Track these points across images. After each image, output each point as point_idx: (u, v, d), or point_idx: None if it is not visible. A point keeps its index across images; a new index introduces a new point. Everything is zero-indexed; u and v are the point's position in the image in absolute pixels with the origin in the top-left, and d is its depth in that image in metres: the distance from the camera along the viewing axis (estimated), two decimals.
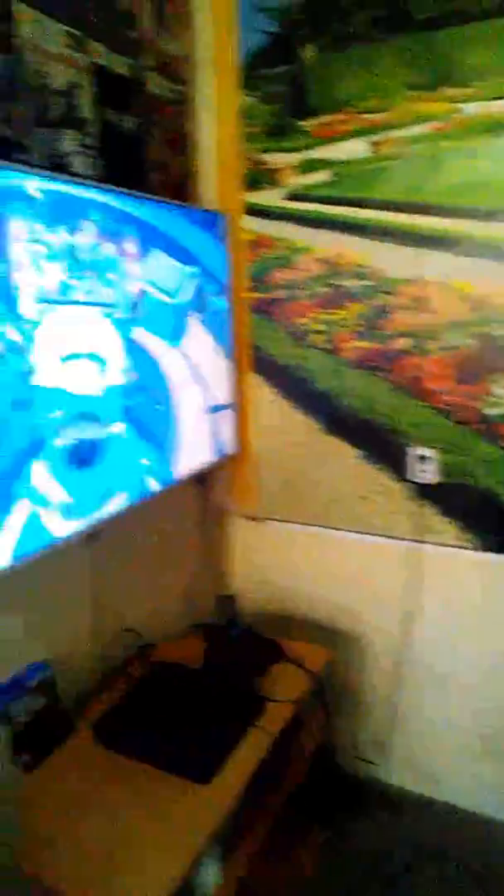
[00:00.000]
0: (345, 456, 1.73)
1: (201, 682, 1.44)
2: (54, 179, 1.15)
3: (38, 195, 1.09)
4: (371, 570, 1.77)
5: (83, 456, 1.25)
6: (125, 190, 1.32)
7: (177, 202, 1.53)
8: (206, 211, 1.65)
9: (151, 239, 1.37)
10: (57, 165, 1.29)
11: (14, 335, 1.08)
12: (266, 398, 1.81)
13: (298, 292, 1.71)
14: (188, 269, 1.49)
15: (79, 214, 1.19)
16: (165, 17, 1.59)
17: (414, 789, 1.85)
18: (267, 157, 1.69)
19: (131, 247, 1.29)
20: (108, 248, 1.24)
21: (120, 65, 1.45)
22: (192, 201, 1.73)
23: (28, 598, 1.28)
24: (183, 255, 1.50)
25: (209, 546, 1.92)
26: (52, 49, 1.26)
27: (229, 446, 1.80)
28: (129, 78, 1.49)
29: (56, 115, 1.29)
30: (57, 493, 1.19)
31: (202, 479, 1.84)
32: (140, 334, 1.38)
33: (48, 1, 1.24)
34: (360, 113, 1.56)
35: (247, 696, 1.38)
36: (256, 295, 1.76)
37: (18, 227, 1.06)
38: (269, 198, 1.71)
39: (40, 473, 1.15)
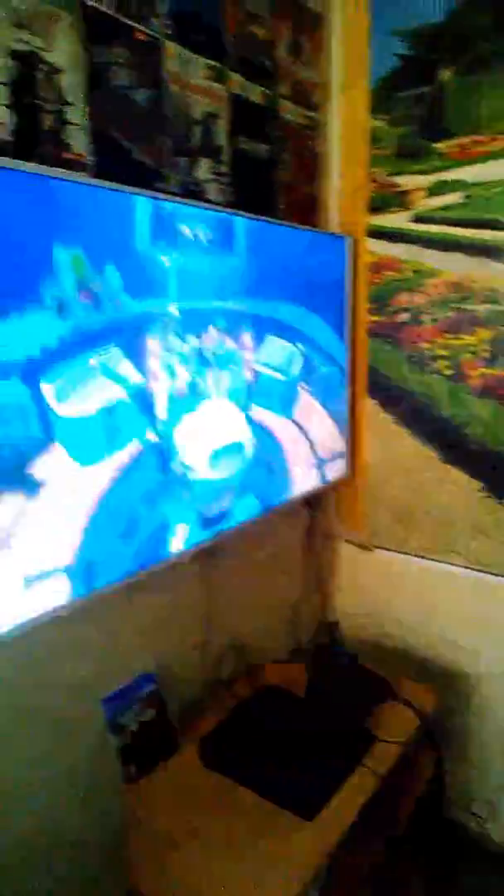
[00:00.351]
0: (464, 487, 1.65)
1: (308, 710, 1.40)
2: (188, 206, 1.19)
3: (175, 313, 1.17)
4: (488, 611, 1.66)
5: (213, 518, 1.32)
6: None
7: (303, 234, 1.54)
8: (333, 236, 1.64)
9: (266, 327, 1.43)
10: (192, 192, 1.34)
11: (152, 437, 1.16)
12: (381, 423, 1.77)
13: (423, 316, 1.66)
14: (299, 346, 1.54)
15: (206, 321, 1.25)
16: (300, 45, 1.62)
17: None
18: (397, 179, 1.66)
19: (247, 338, 1.36)
20: (230, 344, 1.31)
21: (255, 93, 1.49)
22: (318, 225, 1.73)
23: (143, 610, 1.30)
24: (294, 334, 1.53)
25: (315, 570, 1.89)
26: (193, 81, 1.32)
27: (341, 471, 1.77)
28: (263, 106, 1.52)
29: (193, 144, 1.34)
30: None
31: (312, 503, 1.82)
32: (257, 412, 1.44)
33: (193, 36, 1.29)
34: (499, 134, 1.50)
35: (354, 731, 1.33)
36: (377, 318, 1.73)
37: (154, 342, 1.14)
38: (395, 220, 1.68)
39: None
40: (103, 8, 1.11)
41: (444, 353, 1.64)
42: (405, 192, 1.66)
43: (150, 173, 1.24)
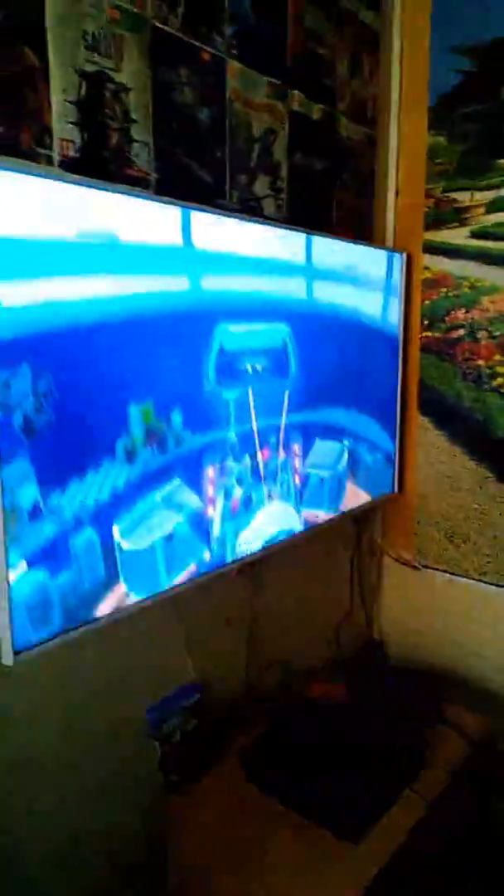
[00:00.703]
0: None
1: (353, 729, 1.37)
2: (247, 220, 1.21)
3: (233, 438, 1.22)
4: None
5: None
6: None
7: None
8: (388, 250, 1.64)
9: (315, 433, 1.46)
10: (250, 209, 1.35)
11: (207, 555, 1.20)
12: (433, 440, 1.73)
13: (480, 333, 1.62)
14: (345, 442, 1.56)
15: (260, 440, 1.29)
16: (360, 62, 1.63)
17: None
18: (455, 195, 1.64)
19: (297, 446, 1.40)
20: (282, 455, 1.36)
21: (314, 111, 1.50)
22: (372, 241, 1.73)
23: (189, 619, 1.31)
24: (340, 433, 1.55)
25: (361, 587, 1.86)
26: (255, 99, 1.34)
27: (390, 487, 1.74)
28: (322, 122, 1.53)
29: (252, 161, 1.35)
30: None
31: (360, 519, 1.79)
32: (307, 514, 1.46)
33: (256, 55, 1.31)
34: None
35: (402, 755, 1.29)
36: (431, 334, 1.71)
37: (213, 469, 1.18)
38: (453, 236, 1.66)
39: None
40: (170, 29, 1.14)
41: (501, 370, 1.60)
42: (463, 209, 1.64)
43: (210, 190, 1.26)
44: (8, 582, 0.85)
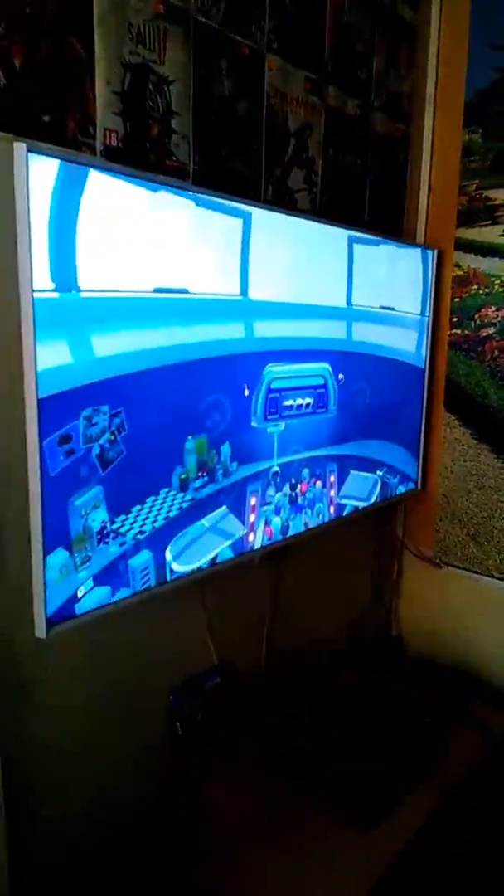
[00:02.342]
0: None
1: (372, 720, 1.38)
2: (282, 212, 1.23)
3: (276, 469, 1.30)
4: None
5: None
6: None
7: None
8: (420, 247, 1.64)
9: (350, 464, 1.53)
10: (284, 202, 1.36)
11: None
12: (458, 437, 1.73)
13: None
14: (378, 473, 1.63)
15: (300, 471, 1.37)
16: (397, 58, 1.63)
17: None
18: (489, 192, 1.63)
19: (333, 477, 1.47)
20: (318, 485, 1.43)
21: (349, 106, 1.51)
22: (405, 236, 1.73)
23: (212, 604, 1.33)
24: (373, 464, 1.61)
25: (382, 583, 1.87)
26: (292, 94, 1.35)
27: (414, 483, 1.75)
28: (357, 117, 1.54)
29: (288, 155, 1.37)
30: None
31: (383, 513, 1.80)
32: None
33: (293, 49, 1.32)
34: None
35: (421, 747, 1.30)
36: (459, 332, 1.70)
37: (255, 498, 1.26)
38: (485, 234, 1.65)
39: None
40: (212, 23, 1.16)
41: None
42: (497, 206, 1.63)
43: (246, 182, 1.28)
44: (44, 559, 0.88)
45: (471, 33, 1.61)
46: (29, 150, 0.80)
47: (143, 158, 1.08)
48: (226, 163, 1.23)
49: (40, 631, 0.90)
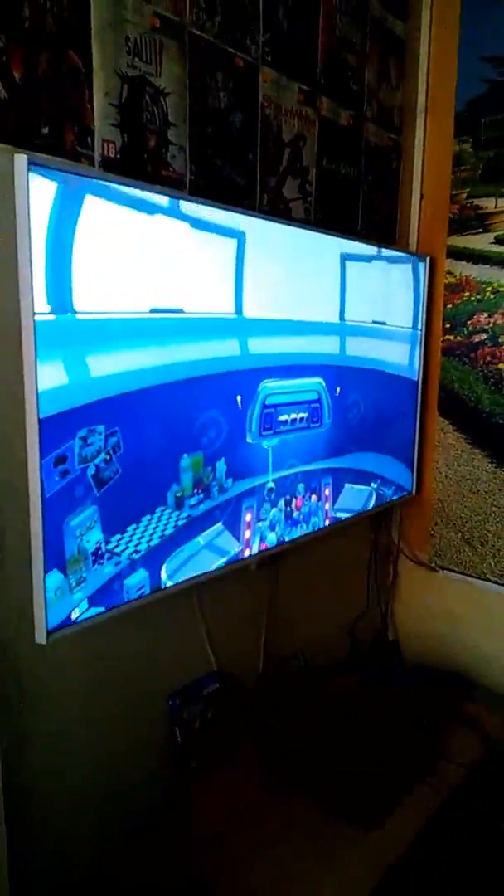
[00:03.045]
0: None
1: (370, 723, 1.39)
2: (277, 222, 1.24)
3: (270, 485, 1.31)
4: None
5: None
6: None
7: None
8: (412, 255, 1.66)
9: (345, 478, 1.54)
10: (279, 210, 1.38)
11: None
12: (452, 442, 1.75)
13: (502, 337, 1.64)
14: (372, 485, 1.64)
15: (295, 485, 1.38)
16: (388, 70, 1.66)
17: None
18: (480, 201, 1.66)
19: (328, 490, 1.49)
20: (314, 499, 1.44)
21: (342, 117, 1.53)
22: (397, 244, 1.75)
23: (209, 610, 1.33)
24: (368, 476, 1.63)
25: (378, 587, 1.88)
26: (286, 105, 1.37)
27: (408, 488, 1.77)
28: (349, 128, 1.56)
29: (282, 165, 1.39)
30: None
31: (377, 519, 1.81)
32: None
33: (287, 62, 1.35)
34: None
35: (419, 748, 1.31)
36: (452, 338, 1.73)
37: (251, 514, 1.27)
38: (476, 242, 1.68)
39: None
40: (207, 36, 1.18)
41: None
42: (487, 214, 1.66)
43: (242, 191, 1.29)
44: (44, 569, 0.89)
45: (460, 45, 1.64)
46: (30, 163, 0.81)
47: (140, 169, 1.09)
48: (221, 173, 1.25)
49: (40, 636, 0.90)
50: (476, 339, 1.69)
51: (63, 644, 0.95)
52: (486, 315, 1.67)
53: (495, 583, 1.70)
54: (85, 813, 1.14)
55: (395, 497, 1.72)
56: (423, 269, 1.69)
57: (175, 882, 1.06)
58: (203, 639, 1.34)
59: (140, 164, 1.09)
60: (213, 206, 1.10)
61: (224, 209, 1.11)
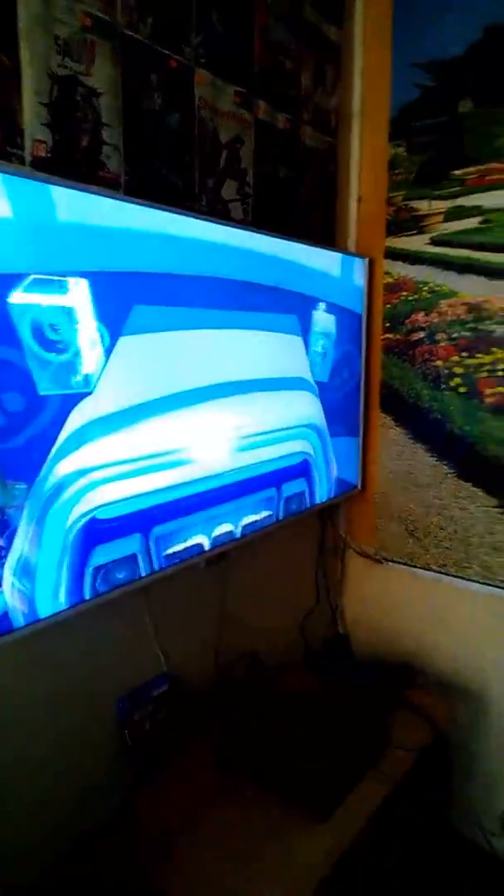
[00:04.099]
0: (479, 503, 1.67)
1: (320, 715, 1.42)
2: (215, 223, 1.25)
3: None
4: (501, 627, 1.67)
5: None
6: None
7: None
8: (351, 256, 1.70)
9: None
10: (218, 212, 1.39)
11: None
12: (395, 438, 1.80)
13: (438, 335, 1.70)
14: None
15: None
16: (324, 74, 1.69)
17: None
18: (414, 203, 1.71)
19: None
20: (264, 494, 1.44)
21: (279, 120, 1.56)
22: (335, 245, 1.79)
23: (157, 612, 1.33)
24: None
25: (326, 582, 1.91)
26: (222, 107, 1.38)
27: (353, 483, 1.80)
28: (287, 131, 1.59)
29: (220, 166, 1.40)
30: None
31: (325, 514, 1.84)
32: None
33: (223, 64, 1.36)
34: None
35: (368, 737, 1.35)
36: (391, 336, 1.77)
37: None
38: (412, 243, 1.73)
39: None
40: (140, 37, 1.18)
41: (459, 371, 1.67)
42: (422, 216, 1.71)
43: (180, 193, 1.30)
44: None
45: (393, 51, 1.69)
46: None
47: (74, 169, 1.08)
48: (159, 174, 1.25)
49: None
50: (414, 337, 1.74)
51: None
52: (423, 314, 1.72)
53: (438, 572, 1.75)
54: (36, 821, 1.12)
55: (341, 492, 1.75)
56: (362, 269, 1.73)
57: (126, 885, 1.06)
58: (152, 640, 1.34)
59: (74, 163, 1.08)
60: (151, 207, 1.10)
61: (161, 210, 1.12)
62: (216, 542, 1.34)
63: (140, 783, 1.26)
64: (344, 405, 1.73)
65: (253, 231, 1.35)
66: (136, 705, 1.29)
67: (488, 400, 1.63)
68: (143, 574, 1.16)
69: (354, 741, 1.32)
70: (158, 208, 1.11)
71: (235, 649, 1.56)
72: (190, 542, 1.26)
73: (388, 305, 1.77)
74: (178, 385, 1.19)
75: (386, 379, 1.80)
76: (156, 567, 1.20)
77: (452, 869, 1.63)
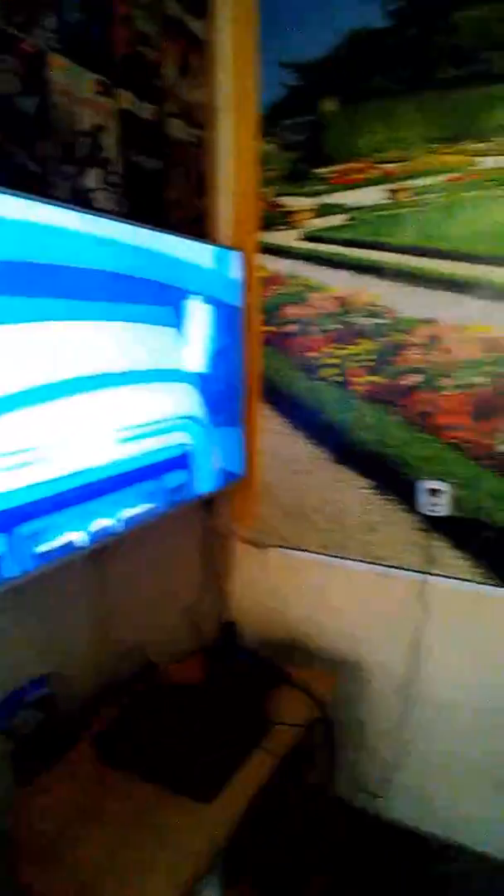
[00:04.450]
0: (354, 487, 1.75)
1: (204, 702, 1.43)
2: (75, 210, 1.23)
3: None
4: (377, 601, 1.77)
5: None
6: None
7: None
8: (223, 248, 1.72)
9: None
10: (81, 201, 1.37)
11: None
12: (274, 427, 1.85)
13: (311, 328, 1.76)
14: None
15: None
16: (189, 67, 1.70)
17: (419, 826, 1.81)
18: (284, 200, 1.76)
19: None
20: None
21: (144, 110, 1.55)
22: (208, 238, 1.80)
23: (33, 613, 1.29)
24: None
25: (213, 571, 1.93)
26: (80, 94, 1.36)
27: (236, 472, 1.83)
28: (153, 122, 1.58)
29: (82, 154, 1.37)
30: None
31: (208, 503, 1.86)
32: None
33: (80, 50, 1.33)
34: (377, 163, 1.63)
35: (251, 717, 1.38)
36: (269, 328, 1.82)
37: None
38: (284, 238, 1.78)
39: None
40: None
41: (331, 361, 1.75)
42: (292, 213, 1.76)
43: (36, 178, 1.26)
44: None
45: (262, 49, 1.72)
46: None
47: None
48: (12, 158, 1.21)
49: None
50: (288, 329, 1.79)
51: None
52: (295, 307, 1.78)
53: (319, 554, 1.82)
54: None
55: (225, 482, 1.78)
56: (237, 263, 1.76)
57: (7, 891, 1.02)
58: (32, 641, 1.30)
59: None
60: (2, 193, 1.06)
61: (12, 195, 1.08)
62: (94, 538, 1.31)
63: (23, 786, 1.22)
64: (225, 396, 1.76)
65: (116, 220, 1.33)
66: (16, 708, 1.24)
67: (358, 388, 1.71)
68: (12, 575, 1.12)
69: (236, 724, 1.35)
70: (10, 193, 1.07)
71: (123, 644, 1.54)
72: (64, 539, 1.23)
73: (265, 298, 1.81)
74: (40, 378, 1.16)
75: (266, 370, 1.84)
76: (28, 567, 1.16)
77: (341, 835, 1.71)
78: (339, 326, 1.73)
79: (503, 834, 1.70)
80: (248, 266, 1.80)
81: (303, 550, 1.85)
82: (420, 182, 1.59)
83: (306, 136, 1.73)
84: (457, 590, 1.64)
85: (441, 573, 1.66)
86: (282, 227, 1.78)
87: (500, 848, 1.71)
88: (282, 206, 1.78)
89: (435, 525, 1.65)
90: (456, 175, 1.54)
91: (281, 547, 1.88)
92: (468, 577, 1.63)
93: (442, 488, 1.62)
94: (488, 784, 1.69)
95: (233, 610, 2.00)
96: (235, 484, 1.85)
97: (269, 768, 1.27)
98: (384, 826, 1.82)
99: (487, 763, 1.68)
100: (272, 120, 1.75)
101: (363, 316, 1.70)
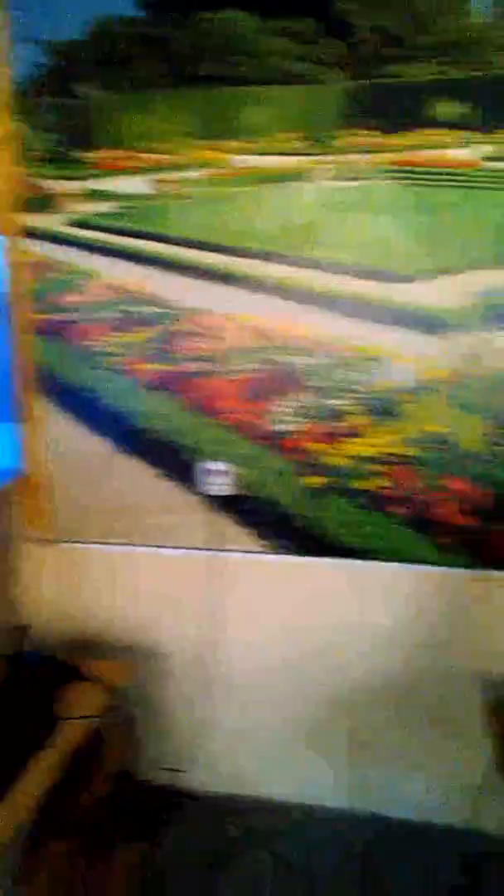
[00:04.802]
0: (141, 474, 1.77)
1: None
2: None
3: None
4: (173, 584, 1.82)
5: None
6: None
7: None
8: None
9: None
10: None
11: None
12: (56, 420, 1.79)
13: (88, 316, 1.72)
14: None
15: None
16: None
17: (224, 790, 1.91)
18: (45, 182, 1.69)
19: None
20: None
21: None
22: None
23: None
24: None
25: (2, 573, 1.82)
26: None
27: (15, 470, 1.74)
28: None
29: None
30: None
31: None
32: None
33: None
34: (140, 152, 1.64)
35: (36, 717, 1.34)
36: (42, 316, 1.74)
37: None
38: (50, 222, 1.71)
39: None
40: None
41: (112, 350, 1.73)
42: (56, 196, 1.70)
43: None
44: None
45: (12, 26, 1.62)
46: None
47: None
48: None
49: None
50: (65, 317, 1.74)
51: None
52: (72, 295, 1.73)
53: (110, 544, 1.82)
54: None
55: (4, 480, 1.67)
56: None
57: None
58: None
59: None
60: None
61: None
62: None
63: None
64: None
65: None
66: None
67: (139, 376, 1.72)
68: None
69: (22, 725, 1.32)
70: None
71: None
72: None
73: (35, 285, 1.73)
74: None
75: (42, 361, 1.76)
76: None
77: (148, 817, 1.73)
78: (116, 315, 1.72)
79: (314, 784, 1.86)
80: (11, 251, 1.70)
81: (96, 543, 1.83)
82: (184, 175, 1.63)
83: (70, 118, 1.67)
84: (245, 563, 1.74)
85: (232, 548, 1.75)
86: (47, 211, 1.71)
87: (313, 796, 1.87)
88: (45, 189, 1.70)
89: (222, 504, 1.73)
90: (216, 170, 1.61)
91: (73, 542, 1.84)
92: (258, 549, 1.74)
93: (225, 468, 1.71)
94: (301, 743, 1.84)
95: (26, 613, 1.90)
96: (18, 482, 1.75)
97: (58, 764, 1.25)
98: (188, 797, 1.88)
99: (293, 723, 1.83)
100: (28, 100, 1.67)
101: (138, 304, 1.71)
